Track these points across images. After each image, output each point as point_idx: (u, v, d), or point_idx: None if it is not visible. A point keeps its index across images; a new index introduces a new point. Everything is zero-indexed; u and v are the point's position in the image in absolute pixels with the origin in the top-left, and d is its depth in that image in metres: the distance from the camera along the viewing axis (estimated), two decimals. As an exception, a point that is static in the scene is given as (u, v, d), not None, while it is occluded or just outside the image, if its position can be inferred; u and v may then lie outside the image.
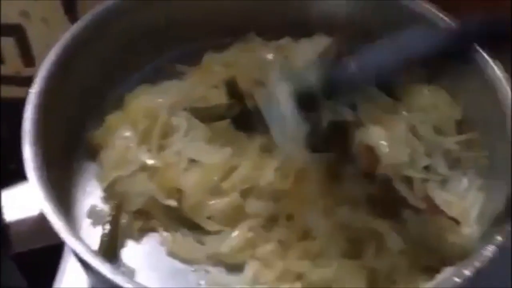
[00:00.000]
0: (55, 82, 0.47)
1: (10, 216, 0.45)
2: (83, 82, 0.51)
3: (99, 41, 0.52)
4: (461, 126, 0.54)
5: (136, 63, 0.56)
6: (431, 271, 0.45)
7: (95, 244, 0.43)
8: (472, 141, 0.52)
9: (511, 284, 0.53)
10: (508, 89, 0.48)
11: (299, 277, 0.43)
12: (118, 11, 0.53)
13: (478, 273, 0.39)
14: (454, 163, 0.52)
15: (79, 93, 0.51)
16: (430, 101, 0.54)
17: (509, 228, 0.40)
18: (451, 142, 0.52)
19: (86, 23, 0.51)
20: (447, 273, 0.40)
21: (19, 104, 0.46)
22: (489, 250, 0.40)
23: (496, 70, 0.49)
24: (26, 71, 0.72)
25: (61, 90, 0.48)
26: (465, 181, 0.51)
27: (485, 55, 0.50)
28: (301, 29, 0.58)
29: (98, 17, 0.52)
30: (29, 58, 0.72)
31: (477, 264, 0.39)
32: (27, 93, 0.47)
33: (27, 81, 0.48)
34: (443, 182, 0.51)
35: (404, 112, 0.53)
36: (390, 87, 0.55)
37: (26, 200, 0.41)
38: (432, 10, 0.54)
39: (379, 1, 0.56)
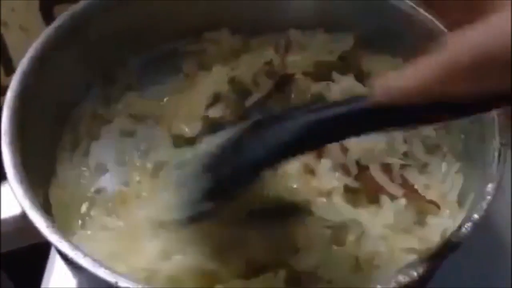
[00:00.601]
0: (31, 83, 0.47)
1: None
2: (61, 82, 0.51)
3: (75, 40, 0.52)
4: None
5: (115, 61, 0.56)
6: (413, 253, 0.46)
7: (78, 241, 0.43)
8: (449, 126, 0.53)
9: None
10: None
11: (283, 264, 0.43)
12: (94, 11, 0.54)
13: (455, 251, 0.39)
14: (433, 148, 0.53)
15: (57, 93, 0.51)
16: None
17: (486, 206, 0.41)
18: (429, 128, 0.52)
19: (61, 23, 0.51)
20: (426, 253, 0.40)
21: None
22: (467, 228, 0.40)
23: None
24: (6, 80, 0.72)
25: (38, 90, 0.48)
26: (444, 165, 0.52)
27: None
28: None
29: (73, 16, 0.53)
30: (9, 67, 0.72)
31: (454, 241, 0.40)
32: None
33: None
34: (423, 167, 0.52)
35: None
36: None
37: (8, 200, 0.41)
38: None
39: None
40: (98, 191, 0.49)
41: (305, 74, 0.56)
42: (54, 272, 0.50)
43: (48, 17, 0.68)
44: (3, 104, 0.47)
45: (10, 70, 0.72)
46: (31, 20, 0.68)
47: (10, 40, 0.70)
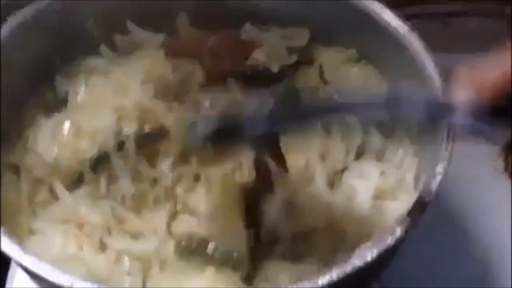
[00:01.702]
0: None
1: None
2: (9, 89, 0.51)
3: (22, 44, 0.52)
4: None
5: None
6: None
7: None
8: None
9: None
10: (427, 57, 0.50)
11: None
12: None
13: (409, 231, 0.40)
14: (390, 133, 0.54)
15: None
16: (359, 80, 0.55)
17: (435, 187, 0.42)
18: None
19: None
20: (381, 234, 0.41)
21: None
22: (419, 210, 0.41)
23: (415, 41, 0.51)
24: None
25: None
26: (400, 150, 0.53)
27: (401, 27, 0.52)
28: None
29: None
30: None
31: (405, 224, 0.40)
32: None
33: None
34: (380, 153, 0.53)
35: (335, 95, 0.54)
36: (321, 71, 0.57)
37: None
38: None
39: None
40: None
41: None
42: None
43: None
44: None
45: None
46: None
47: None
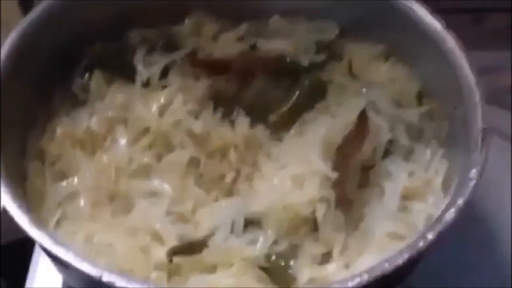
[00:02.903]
0: (6, 81, 0.47)
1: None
2: (35, 78, 0.51)
3: (51, 33, 0.52)
4: (421, 98, 0.55)
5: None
6: (400, 238, 0.46)
7: (62, 238, 0.42)
8: (432, 112, 0.53)
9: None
10: (463, 57, 0.49)
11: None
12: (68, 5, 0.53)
13: (441, 235, 0.39)
14: (418, 134, 0.53)
15: (31, 90, 0.51)
16: (388, 76, 0.55)
17: (469, 191, 0.41)
18: (411, 114, 0.52)
19: (36, 15, 0.51)
20: (412, 238, 0.40)
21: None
22: (450, 214, 0.40)
23: (450, 39, 0.50)
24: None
25: (13, 88, 0.48)
26: (428, 152, 0.52)
27: (438, 25, 0.51)
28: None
29: (48, 9, 0.52)
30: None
31: (439, 227, 0.40)
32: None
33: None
34: (408, 154, 0.52)
35: (364, 90, 0.54)
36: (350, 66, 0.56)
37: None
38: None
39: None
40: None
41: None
42: (39, 266, 0.50)
43: (27, 12, 0.68)
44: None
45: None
46: (10, 15, 0.67)
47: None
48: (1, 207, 0.39)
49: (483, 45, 0.76)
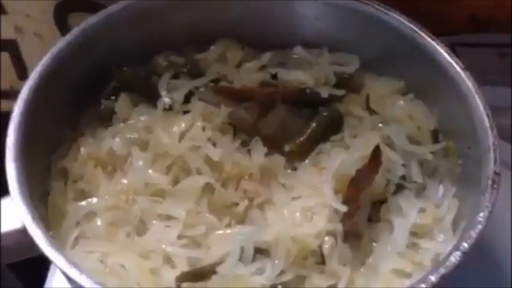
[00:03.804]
0: (37, 100, 0.49)
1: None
2: (65, 98, 0.53)
3: (83, 56, 0.54)
4: (437, 135, 0.55)
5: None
6: (405, 276, 0.47)
7: (78, 257, 0.44)
8: (447, 150, 0.54)
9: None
10: (478, 99, 0.49)
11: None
12: (106, 26, 0.55)
13: (443, 278, 0.40)
14: (431, 171, 0.54)
15: (60, 110, 0.53)
16: (405, 112, 0.55)
17: (475, 235, 0.42)
18: (426, 151, 0.53)
19: (71, 38, 0.53)
20: (414, 279, 0.41)
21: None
22: (455, 257, 0.41)
23: (466, 80, 0.50)
24: (20, 85, 0.74)
25: (43, 107, 0.50)
26: (441, 189, 0.52)
27: (457, 67, 0.51)
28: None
29: (85, 31, 0.54)
30: (23, 73, 0.74)
31: (443, 270, 0.40)
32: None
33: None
34: (420, 191, 0.53)
35: (380, 125, 0.54)
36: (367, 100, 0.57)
37: (11, 213, 0.43)
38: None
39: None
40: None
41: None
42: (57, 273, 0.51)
43: (62, 25, 0.70)
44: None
45: (24, 76, 0.74)
46: (45, 27, 0.70)
47: (25, 46, 0.72)
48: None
49: (506, 80, 0.76)
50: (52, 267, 0.53)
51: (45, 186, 0.50)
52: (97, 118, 0.55)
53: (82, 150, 0.52)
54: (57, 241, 0.43)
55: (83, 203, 0.49)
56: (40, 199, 0.47)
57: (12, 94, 0.74)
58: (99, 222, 0.48)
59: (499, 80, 0.77)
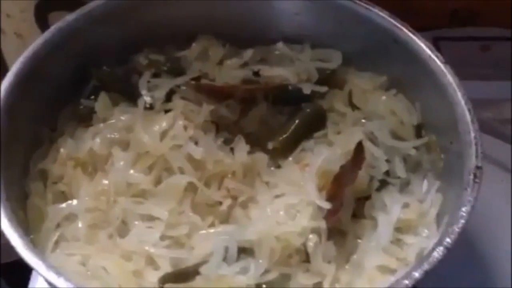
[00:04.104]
0: (14, 100, 0.48)
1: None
2: (43, 98, 0.52)
3: (61, 55, 0.53)
4: (420, 130, 0.55)
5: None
6: (390, 272, 0.47)
7: (59, 260, 0.43)
8: (430, 144, 0.54)
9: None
10: (459, 93, 0.49)
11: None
12: (84, 24, 0.54)
13: (427, 274, 0.40)
14: (415, 166, 0.53)
15: (38, 110, 0.52)
16: (388, 108, 0.55)
17: (458, 230, 0.42)
18: (409, 146, 0.53)
19: (48, 37, 0.52)
20: (398, 276, 0.41)
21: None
22: (438, 252, 0.41)
23: (447, 74, 0.50)
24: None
25: (20, 107, 0.49)
26: (425, 184, 0.52)
27: (437, 61, 0.51)
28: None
29: (63, 29, 0.53)
30: (4, 72, 0.73)
31: (426, 266, 0.40)
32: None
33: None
34: (404, 186, 0.52)
35: (363, 120, 0.54)
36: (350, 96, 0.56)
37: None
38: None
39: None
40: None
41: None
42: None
43: (42, 24, 0.69)
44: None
45: (4, 76, 0.73)
46: (26, 26, 0.69)
47: (6, 46, 0.71)
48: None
49: (489, 73, 0.77)
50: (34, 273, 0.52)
51: (23, 188, 0.49)
52: (76, 118, 0.54)
53: (62, 150, 0.51)
54: (38, 245, 0.42)
55: (63, 205, 0.48)
56: (18, 202, 0.46)
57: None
58: (80, 224, 0.47)
59: (482, 73, 0.77)
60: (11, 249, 0.44)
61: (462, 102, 0.49)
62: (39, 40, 0.52)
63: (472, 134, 0.47)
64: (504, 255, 0.60)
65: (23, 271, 0.52)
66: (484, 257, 0.59)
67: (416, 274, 0.40)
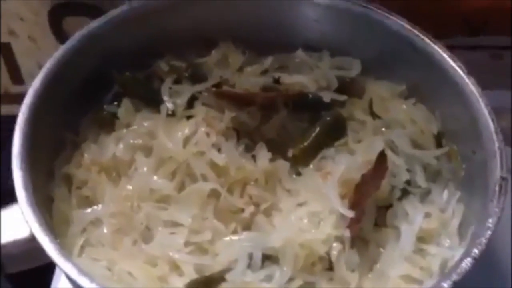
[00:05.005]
0: (40, 105, 0.49)
1: (1, 238, 0.45)
2: (67, 103, 0.53)
3: (85, 61, 0.54)
4: (440, 139, 0.55)
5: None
6: (414, 281, 0.47)
7: (85, 264, 0.43)
8: (450, 154, 0.54)
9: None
10: (482, 103, 0.50)
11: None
12: (107, 30, 0.55)
13: (455, 284, 0.40)
14: (435, 176, 0.54)
15: (62, 115, 0.52)
16: (408, 116, 0.55)
17: (485, 241, 0.42)
18: (429, 155, 0.53)
19: (73, 44, 0.52)
20: (424, 286, 0.41)
21: (9, 121, 0.48)
22: (467, 263, 0.41)
23: (470, 85, 0.51)
24: (14, 89, 0.73)
25: (46, 113, 0.50)
26: (445, 193, 0.52)
27: (459, 70, 0.52)
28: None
29: (86, 36, 0.54)
30: (17, 76, 0.73)
31: (454, 277, 0.40)
32: (16, 109, 0.48)
33: (16, 99, 0.49)
34: (425, 195, 0.53)
35: (383, 129, 0.54)
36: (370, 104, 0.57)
37: (18, 222, 0.42)
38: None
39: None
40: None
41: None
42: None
43: (56, 28, 0.69)
44: (10, 112, 0.47)
45: (17, 79, 0.74)
46: (39, 30, 0.69)
47: (19, 49, 0.71)
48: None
49: (502, 82, 0.77)
50: (55, 277, 0.52)
51: (48, 192, 0.49)
52: (98, 124, 0.54)
53: (86, 156, 0.51)
54: (64, 249, 0.42)
55: (88, 210, 0.48)
56: (45, 206, 0.46)
57: (6, 98, 0.73)
58: (105, 230, 0.47)
59: (494, 82, 0.78)
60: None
61: (486, 112, 0.49)
62: (64, 46, 0.53)
63: (497, 145, 0.47)
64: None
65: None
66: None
67: (445, 285, 0.40)
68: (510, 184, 0.53)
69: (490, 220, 0.43)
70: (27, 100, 0.47)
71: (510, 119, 0.71)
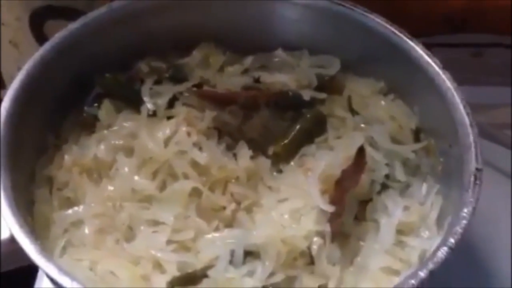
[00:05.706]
0: (19, 108, 0.49)
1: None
2: (47, 105, 0.53)
3: (65, 62, 0.54)
4: (419, 134, 0.56)
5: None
6: (394, 273, 0.47)
7: (67, 265, 0.44)
8: (428, 148, 0.55)
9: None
10: (457, 98, 0.51)
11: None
12: (87, 32, 0.55)
13: (432, 274, 0.41)
14: (414, 170, 0.54)
15: (42, 117, 0.53)
16: (387, 112, 0.56)
17: (461, 230, 0.43)
18: (408, 150, 0.54)
19: (53, 45, 0.53)
20: (403, 276, 0.42)
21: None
22: (443, 252, 0.42)
23: (446, 80, 0.52)
24: (-2, 93, 0.73)
25: (25, 115, 0.50)
26: (424, 187, 0.53)
27: (436, 66, 0.53)
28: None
29: (66, 38, 0.54)
30: (-1, 81, 0.73)
31: (431, 266, 0.41)
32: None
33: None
34: (404, 189, 0.53)
35: (362, 125, 0.55)
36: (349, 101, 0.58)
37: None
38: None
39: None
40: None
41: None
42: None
43: (38, 33, 0.69)
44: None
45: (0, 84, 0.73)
46: (21, 35, 0.69)
47: (0, 54, 0.71)
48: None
49: (481, 80, 0.78)
50: (38, 278, 0.52)
51: (29, 194, 0.49)
52: (79, 125, 0.55)
53: (67, 157, 0.51)
54: (45, 250, 0.42)
55: (70, 211, 0.49)
56: (26, 208, 0.47)
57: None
58: (86, 230, 0.47)
59: (474, 79, 0.79)
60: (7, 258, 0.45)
61: (461, 107, 0.50)
62: (43, 48, 0.53)
63: (471, 137, 0.48)
64: (504, 258, 0.61)
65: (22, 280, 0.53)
66: (485, 260, 0.60)
67: (422, 274, 0.41)
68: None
69: (465, 210, 0.44)
70: (5, 103, 0.48)
71: (487, 114, 0.72)
